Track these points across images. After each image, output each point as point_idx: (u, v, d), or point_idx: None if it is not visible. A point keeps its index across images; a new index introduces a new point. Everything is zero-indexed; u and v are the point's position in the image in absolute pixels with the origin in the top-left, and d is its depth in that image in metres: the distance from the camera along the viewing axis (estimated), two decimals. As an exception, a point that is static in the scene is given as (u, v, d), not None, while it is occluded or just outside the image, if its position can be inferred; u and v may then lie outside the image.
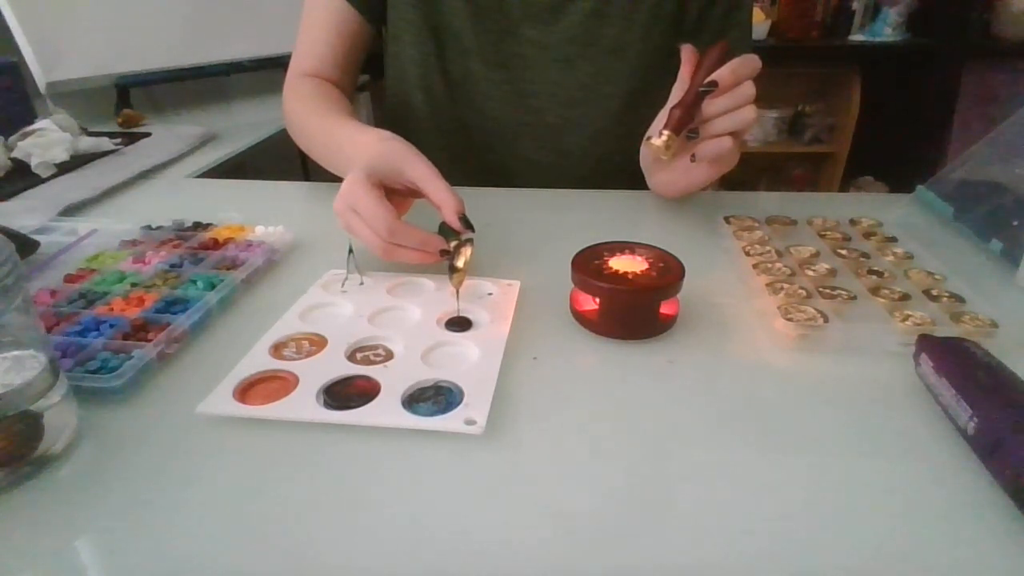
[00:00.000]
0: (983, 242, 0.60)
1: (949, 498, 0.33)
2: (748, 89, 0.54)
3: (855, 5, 2.39)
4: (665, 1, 0.71)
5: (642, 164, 0.69)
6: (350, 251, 0.52)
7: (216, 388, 0.39)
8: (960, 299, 0.49)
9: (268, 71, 1.29)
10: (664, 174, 0.65)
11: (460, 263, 0.49)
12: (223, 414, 0.38)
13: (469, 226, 0.51)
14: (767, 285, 0.50)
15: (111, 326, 0.44)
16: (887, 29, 2.35)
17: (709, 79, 0.54)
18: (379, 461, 0.35)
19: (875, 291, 0.50)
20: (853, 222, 0.64)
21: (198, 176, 0.88)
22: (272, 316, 0.47)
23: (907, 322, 0.46)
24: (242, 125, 1.14)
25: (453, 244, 0.50)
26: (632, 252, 0.49)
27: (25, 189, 0.76)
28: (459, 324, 0.47)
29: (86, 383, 0.38)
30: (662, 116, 0.61)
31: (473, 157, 0.80)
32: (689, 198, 0.71)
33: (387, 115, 0.84)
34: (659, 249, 0.49)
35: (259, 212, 0.66)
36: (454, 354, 0.44)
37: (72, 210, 0.70)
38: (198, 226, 0.62)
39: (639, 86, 0.75)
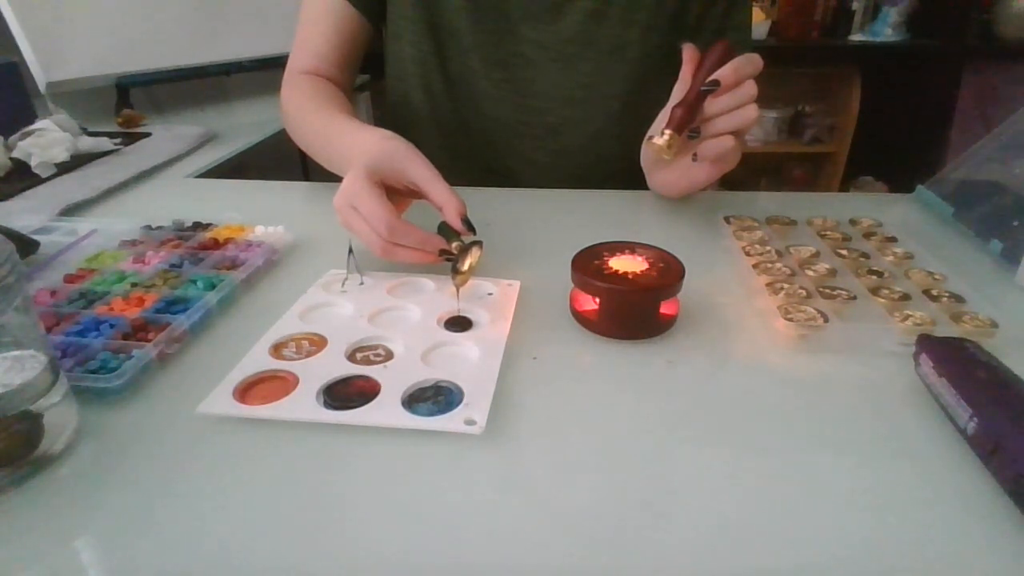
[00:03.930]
0: (983, 242, 0.60)
1: (949, 498, 0.33)
2: (750, 88, 0.54)
3: (855, 5, 2.39)
4: (665, 1, 0.71)
5: (643, 164, 0.69)
6: (350, 251, 0.52)
7: (216, 388, 0.39)
8: (960, 299, 0.49)
9: (268, 71, 1.29)
10: (665, 174, 0.65)
11: (465, 266, 0.48)
12: (223, 414, 0.38)
13: (471, 227, 0.51)
14: (767, 285, 0.50)
15: (111, 326, 0.44)
16: (887, 29, 2.35)
17: (711, 78, 0.54)
18: (379, 461, 0.35)
19: (875, 291, 0.50)
20: (853, 222, 0.64)
21: (198, 176, 0.88)
22: (272, 316, 0.47)
23: (907, 322, 0.46)
24: (242, 125, 1.14)
25: (455, 245, 0.50)
26: (632, 252, 0.49)
27: (25, 189, 0.76)
28: (459, 324, 0.47)
29: (86, 383, 0.38)
30: (663, 115, 0.61)
31: (473, 156, 0.80)
32: (689, 198, 0.71)
33: (388, 114, 0.84)
34: (659, 249, 0.49)
35: (259, 212, 0.66)
36: (454, 354, 0.44)
37: (72, 210, 0.70)
38: (198, 226, 0.62)
39: (639, 86, 0.75)
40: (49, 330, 0.43)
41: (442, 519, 0.32)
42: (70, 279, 0.51)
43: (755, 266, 0.54)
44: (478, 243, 0.50)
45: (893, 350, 0.44)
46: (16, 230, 0.56)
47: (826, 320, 0.45)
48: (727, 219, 0.64)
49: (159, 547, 0.30)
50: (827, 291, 0.49)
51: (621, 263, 0.47)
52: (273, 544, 0.30)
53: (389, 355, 0.43)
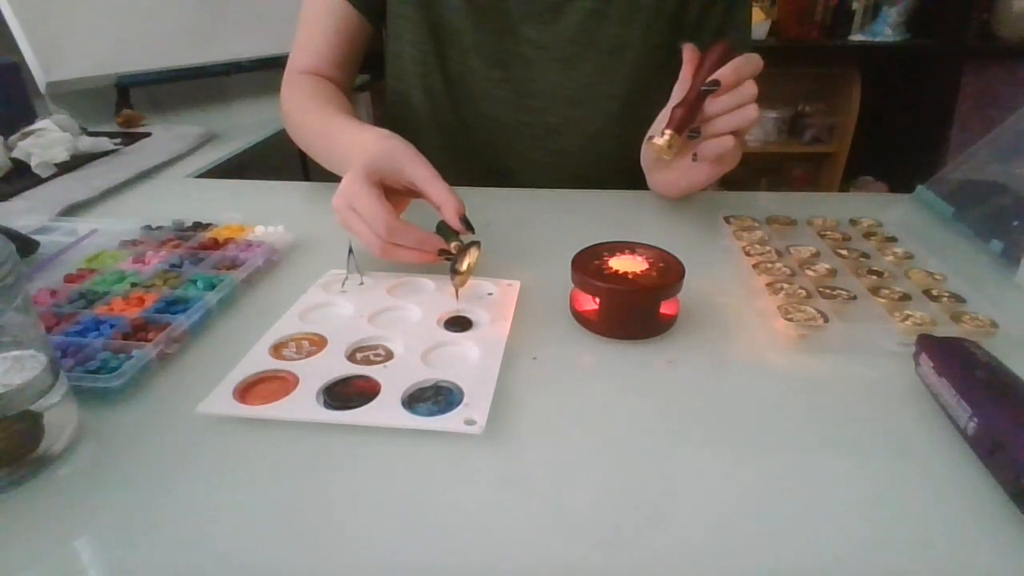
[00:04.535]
0: (983, 242, 0.60)
1: (949, 498, 0.33)
2: (750, 88, 0.54)
3: (855, 5, 2.39)
4: (665, 2, 0.71)
5: (643, 164, 0.69)
6: (350, 251, 0.52)
7: (216, 388, 0.39)
8: (960, 299, 0.49)
9: (268, 71, 1.29)
10: (665, 174, 0.65)
11: (463, 266, 0.48)
12: (223, 414, 0.38)
13: (470, 227, 0.51)
14: (767, 285, 0.50)
15: (111, 326, 0.44)
16: (887, 29, 2.35)
17: (711, 78, 0.54)
18: (379, 461, 0.35)
19: (875, 291, 0.50)
20: (853, 222, 0.64)
21: (198, 176, 0.87)
22: (272, 316, 0.47)
23: (907, 322, 0.46)
24: (242, 125, 1.14)
25: (454, 245, 0.50)
26: (632, 252, 0.49)
27: (25, 189, 0.76)
28: (459, 324, 0.47)
29: (86, 383, 0.38)
30: (664, 115, 0.61)
31: (473, 156, 0.80)
32: (689, 198, 0.71)
33: (388, 114, 0.84)
34: (659, 249, 0.49)
35: (259, 212, 0.66)
36: (454, 354, 0.44)
37: (72, 210, 0.70)
38: (198, 226, 0.62)
39: (638, 86, 0.75)
40: (49, 330, 0.43)
41: (442, 519, 0.32)
42: (70, 279, 0.51)
43: (755, 266, 0.54)
44: (476, 243, 0.50)
45: (893, 350, 0.44)
46: (16, 230, 0.56)
47: (826, 320, 0.45)
48: (727, 219, 0.64)
49: (159, 547, 0.30)
50: (827, 291, 0.49)
51: (621, 263, 0.47)
52: (273, 544, 0.30)
53: (389, 355, 0.43)
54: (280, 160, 1.16)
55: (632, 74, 0.74)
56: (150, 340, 0.42)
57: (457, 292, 0.49)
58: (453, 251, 0.50)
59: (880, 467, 0.35)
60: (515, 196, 0.75)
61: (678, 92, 0.59)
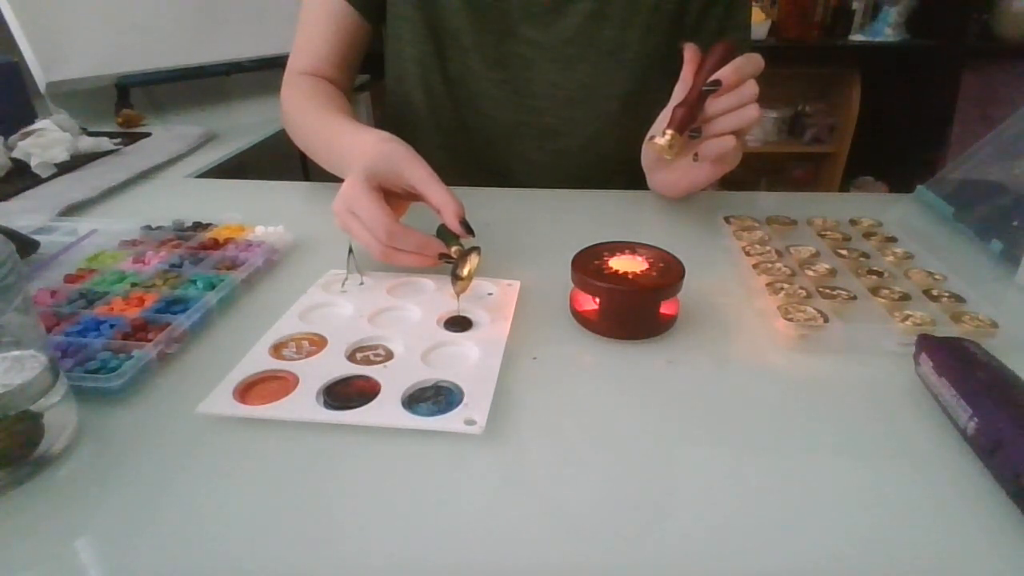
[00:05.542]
0: (983, 242, 0.60)
1: (949, 498, 0.33)
2: (751, 88, 0.54)
3: (855, 5, 2.40)
4: (664, 2, 0.71)
5: (644, 164, 0.69)
6: (350, 251, 0.52)
7: (216, 388, 0.39)
8: (960, 299, 0.49)
9: (268, 71, 1.29)
10: (666, 173, 0.65)
11: (464, 272, 0.48)
12: (223, 414, 0.38)
13: (470, 230, 0.51)
14: (767, 285, 0.50)
15: (111, 326, 0.44)
16: (887, 29, 2.36)
17: (712, 78, 0.54)
18: (379, 461, 0.35)
19: (875, 291, 0.50)
20: (853, 222, 0.64)
21: (198, 176, 0.87)
22: (272, 316, 0.47)
23: (907, 322, 0.46)
24: (242, 125, 1.14)
25: (455, 249, 0.50)
26: (632, 252, 0.49)
27: (25, 189, 0.76)
28: (459, 324, 0.47)
29: (86, 383, 0.38)
30: (665, 115, 0.61)
31: (472, 157, 0.80)
32: (689, 198, 0.71)
33: (387, 114, 0.84)
34: (659, 249, 0.49)
35: (259, 212, 0.66)
36: (454, 354, 0.44)
37: (72, 210, 0.69)
38: (198, 226, 0.62)
39: (638, 87, 0.75)
40: (49, 330, 0.43)
41: (442, 519, 0.32)
42: (70, 279, 0.51)
43: (755, 266, 0.54)
44: (476, 248, 0.50)
45: (893, 350, 0.44)
46: (16, 230, 0.56)
47: (826, 320, 0.45)
48: (727, 219, 0.64)
49: (159, 547, 0.30)
50: (827, 291, 0.49)
51: (621, 263, 0.47)
52: (273, 544, 0.30)
53: (389, 355, 0.43)
54: (280, 160, 1.15)
55: (631, 75, 0.74)
56: (150, 340, 0.42)
57: (458, 298, 0.49)
58: (453, 255, 0.50)
59: (880, 467, 0.35)
60: (515, 196, 0.75)
61: (679, 92, 0.59)
